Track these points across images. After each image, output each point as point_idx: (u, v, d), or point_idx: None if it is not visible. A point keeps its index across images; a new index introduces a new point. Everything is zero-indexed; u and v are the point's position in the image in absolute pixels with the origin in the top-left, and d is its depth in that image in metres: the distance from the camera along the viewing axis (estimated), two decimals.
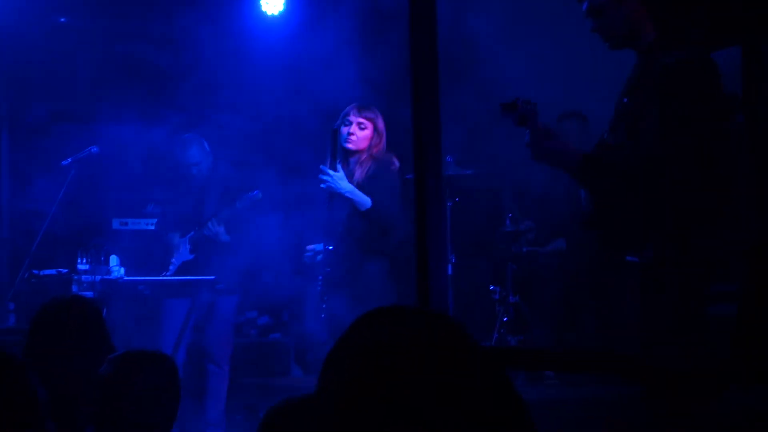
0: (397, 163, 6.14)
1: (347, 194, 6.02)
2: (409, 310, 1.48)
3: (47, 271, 7.10)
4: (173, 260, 7.24)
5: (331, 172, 6.02)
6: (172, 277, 7.12)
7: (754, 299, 3.46)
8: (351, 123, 6.13)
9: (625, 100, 4.42)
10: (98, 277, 6.81)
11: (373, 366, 1.40)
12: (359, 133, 6.13)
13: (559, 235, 7.56)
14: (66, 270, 7.06)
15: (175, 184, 7.43)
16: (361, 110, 6.16)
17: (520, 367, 6.19)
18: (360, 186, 6.06)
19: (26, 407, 2.26)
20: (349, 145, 6.12)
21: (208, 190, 7.34)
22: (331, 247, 6.13)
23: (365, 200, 6.02)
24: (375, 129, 6.16)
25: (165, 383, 3.52)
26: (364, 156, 6.17)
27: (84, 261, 6.93)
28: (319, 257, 6.21)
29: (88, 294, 6.61)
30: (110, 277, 6.87)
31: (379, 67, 7.64)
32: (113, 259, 6.98)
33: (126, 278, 6.92)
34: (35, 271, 7.06)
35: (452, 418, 1.35)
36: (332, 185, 6.01)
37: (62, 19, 8.84)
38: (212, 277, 7.00)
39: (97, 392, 3.45)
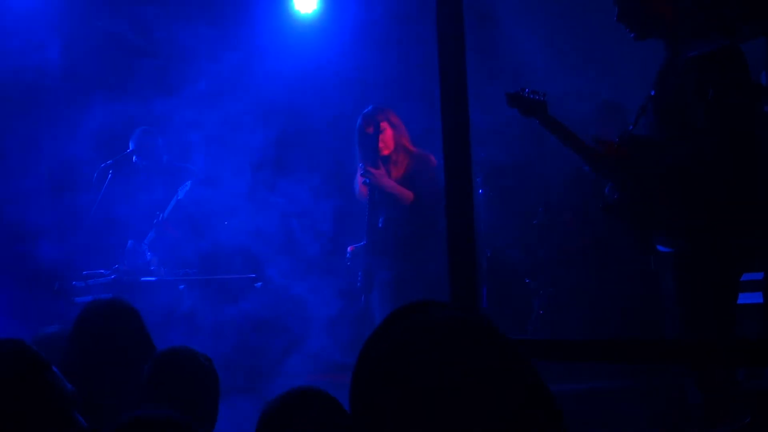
0: (434, 161, 6.22)
1: (389, 189, 6.11)
2: (436, 307, 1.53)
3: (89, 272, 7.18)
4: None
5: (372, 169, 6.11)
6: (212, 276, 7.17)
7: None
8: (370, 134, 6.20)
9: (653, 92, 4.44)
10: (139, 278, 6.90)
11: (401, 364, 1.45)
12: (383, 137, 6.20)
13: (586, 224, 7.56)
14: (108, 271, 7.15)
15: (127, 181, 7.56)
16: (370, 117, 6.23)
17: (556, 359, 6.22)
18: (399, 183, 6.14)
19: (52, 403, 2.33)
20: (384, 152, 6.20)
21: (159, 185, 7.46)
22: (371, 244, 6.20)
23: (408, 194, 6.11)
24: (391, 124, 6.24)
25: (203, 380, 3.60)
26: (395, 155, 6.24)
27: (125, 262, 7.03)
28: (361, 255, 6.29)
29: (129, 294, 6.68)
30: (151, 278, 6.95)
31: (409, 64, 7.72)
32: (153, 260, 7.06)
33: (166, 278, 7.00)
34: (77, 272, 7.15)
35: (480, 414, 1.40)
36: (375, 182, 6.09)
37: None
38: (253, 275, 7.08)
39: (140, 390, 3.54)
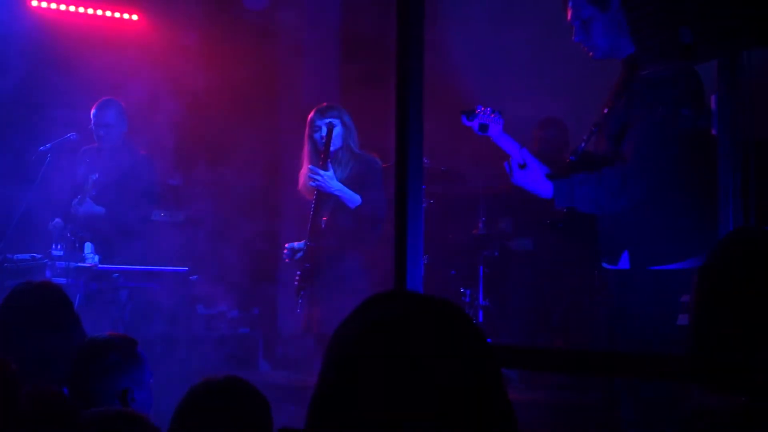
0: (380, 162, 6.24)
1: (337, 192, 6.10)
2: (419, 294, 1.55)
3: (21, 256, 7.09)
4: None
5: (321, 171, 6.09)
6: (147, 267, 7.11)
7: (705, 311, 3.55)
8: (320, 127, 6.20)
9: (606, 110, 4.47)
10: (72, 264, 6.82)
11: (377, 340, 1.45)
12: (332, 133, 6.19)
13: (527, 235, 7.62)
14: (40, 255, 7.06)
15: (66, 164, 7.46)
16: (324, 112, 6.24)
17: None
18: (344, 183, 6.14)
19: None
20: (330, 148, 6.17)
21: (108, 164, 7.38)
22: (311, 243, 6.18)
23: (355, 197, 6.11)
24: (343, 124, 6.24)
25: (127, 363, 3.62)
26: (341, 154, 6.24)
27: (59, 247, 6.93)
28: (299, 255, 6.26)
29: (62, 280, 6.61)
30: (84, 264, 6.87)
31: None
32: (88, 247, 6.97)
33: (100, 266, 6.92)
34: (9, 256, 7.05)
35: (445, 401, 1.41)
36: (322, 184, 6.09)
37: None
38: (186, 268, 7.04)
39: (69, 372, 3.56)
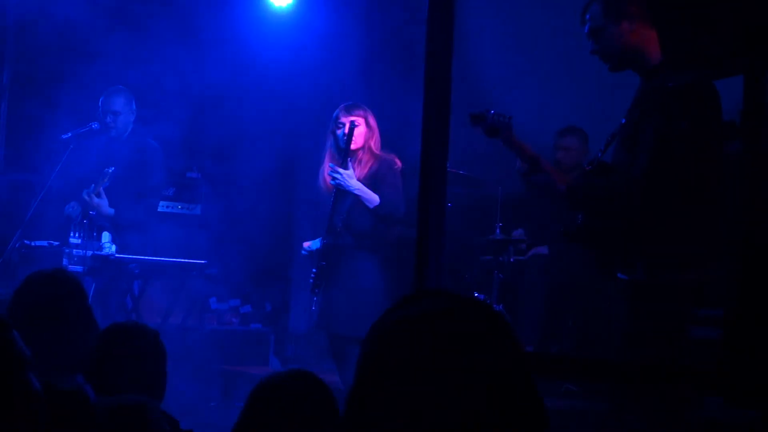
0: (399, 163, 6.24)
1: (356, 192, 6.11)
2: (457, 294, 1.53)
3: (39, 243, 7.11)
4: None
5: (341, 170, 6.10)
6: (163, 258, 7.12)
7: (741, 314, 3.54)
8: (344, 124, 6.20)
9: (623, 120, 4.48)
10: (89, 252, 6.82)
11: (400, 337, 1.45)
12: (354, 132, 6.19)
13: (541, 242, 7.61)
14: (57, 243, 7.07)
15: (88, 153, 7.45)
16: (350, 110, 6.23)
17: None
18: (362, 182, 6.15)
19: (11, 365, 2.28)
20: (351, 146, 6.18)
21: (117, 153, 7.36)
22: (327, 241, 6.19)
23: (374, 197, 6.11)
24: (367, 125, 6.24)
25: (148, 352, 3.61)
26: (361, 154, 6.24)
27: (76, 235, 6.93)
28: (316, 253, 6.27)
29: (78, 268, 6.63)
30: (101, 253, 6.87)
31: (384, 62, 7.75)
32: (105, 236, 6.97)
33: (117, 255, 6.92)
34: (27, 242, 7.07)
35: (475, 403, 1.40)
36: (342, 183, 6.09)
37: None
38: (204, 261, 7.05)
39: (85, 362, 3.55)
